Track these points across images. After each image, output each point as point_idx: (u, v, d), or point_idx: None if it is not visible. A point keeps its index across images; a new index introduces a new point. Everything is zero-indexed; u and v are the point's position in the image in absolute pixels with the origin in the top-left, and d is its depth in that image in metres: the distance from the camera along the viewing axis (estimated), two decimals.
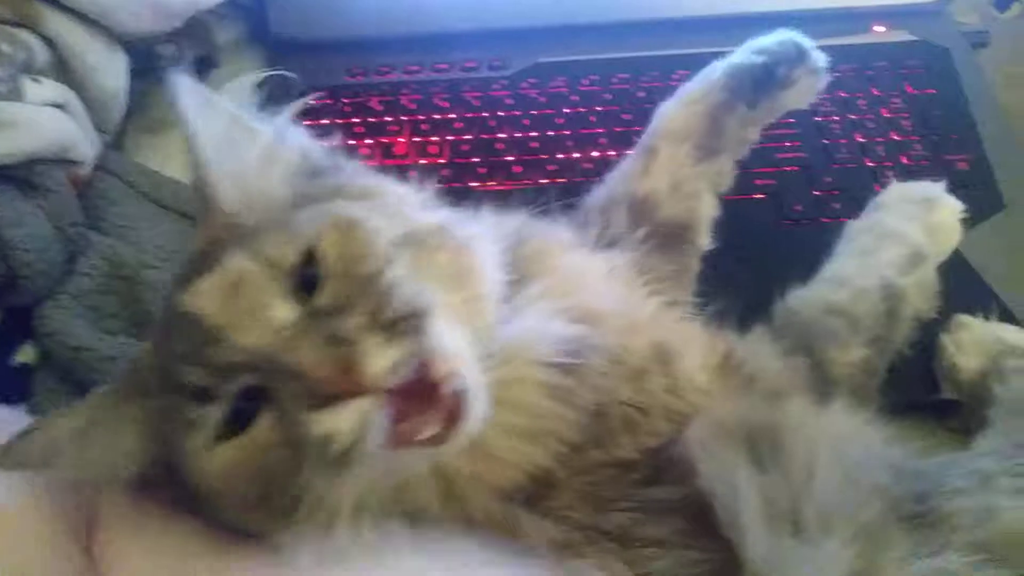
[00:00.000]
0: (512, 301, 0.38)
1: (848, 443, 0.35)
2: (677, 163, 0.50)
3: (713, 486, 0.33)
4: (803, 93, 0.51)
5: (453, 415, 0.30)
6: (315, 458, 0.29)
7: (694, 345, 0.42)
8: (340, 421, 0.28)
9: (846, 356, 0.45)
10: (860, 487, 0.33)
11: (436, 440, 0.30)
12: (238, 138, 0.38)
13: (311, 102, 0.44)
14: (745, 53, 0.52)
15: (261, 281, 0.32)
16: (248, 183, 0.37)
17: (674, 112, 0.51)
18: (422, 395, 0.29)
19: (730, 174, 0.52)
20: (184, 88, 0.36)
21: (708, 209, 0.51)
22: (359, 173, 0.41)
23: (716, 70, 0.52)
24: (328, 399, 0.28)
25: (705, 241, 0.51)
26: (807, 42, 0.51)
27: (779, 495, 0.32)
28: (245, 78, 0.74)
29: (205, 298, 0.32)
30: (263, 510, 0.32)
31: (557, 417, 0.35)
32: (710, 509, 0.33)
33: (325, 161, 0.41)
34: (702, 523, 0.33)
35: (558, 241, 0.44)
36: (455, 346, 0.31)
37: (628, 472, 0.36)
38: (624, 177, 0.51)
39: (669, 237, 0.48)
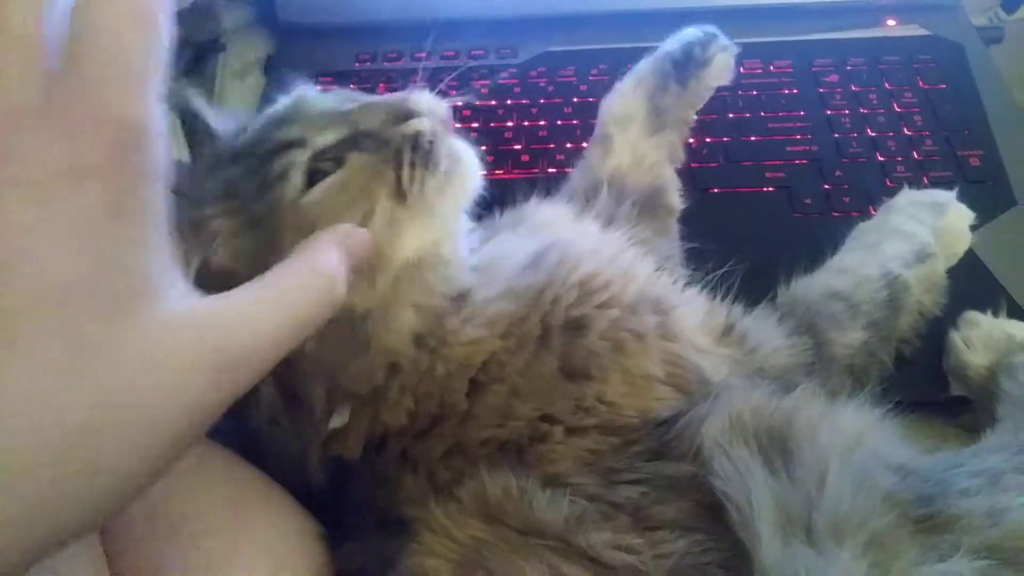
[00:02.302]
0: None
1: (858, 448, 0.35)
2: (631, 141, 0.55)
3: (727, 488, 0.33)
4: (722, 68, 0.58)
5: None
6: (407, 154, 0.37)
7: (692, 306, 0.44)
8: (423, 120, 0.38)
9: (844, 338, 0.46)
10: (870, 494, 0.33)
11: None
12: None
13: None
14: (665, 45, 0.58)
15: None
16: None
17: (615, 101, 0.57)
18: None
19: (681, 149, 0.58)
20: None
21: (671, 175, 0.56)
22: None
23: (643, 63, 0.58)
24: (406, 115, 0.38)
25: (677, 201, 0.55)
26: (712, 27, 0.58)
27: (792, 502, 0.32)
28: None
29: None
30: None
31: (524, 286, 0.39)
32: (722, 506, 0.32)
33: None
34: (714, 509, 0.33)
35: (554, 207, 0.50)
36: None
37: (631, 443, 0.36)
38: (589, 166, 0.56)
39: (645, 205, 0.53)
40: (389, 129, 0.38)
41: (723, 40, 0.57)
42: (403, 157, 0.37)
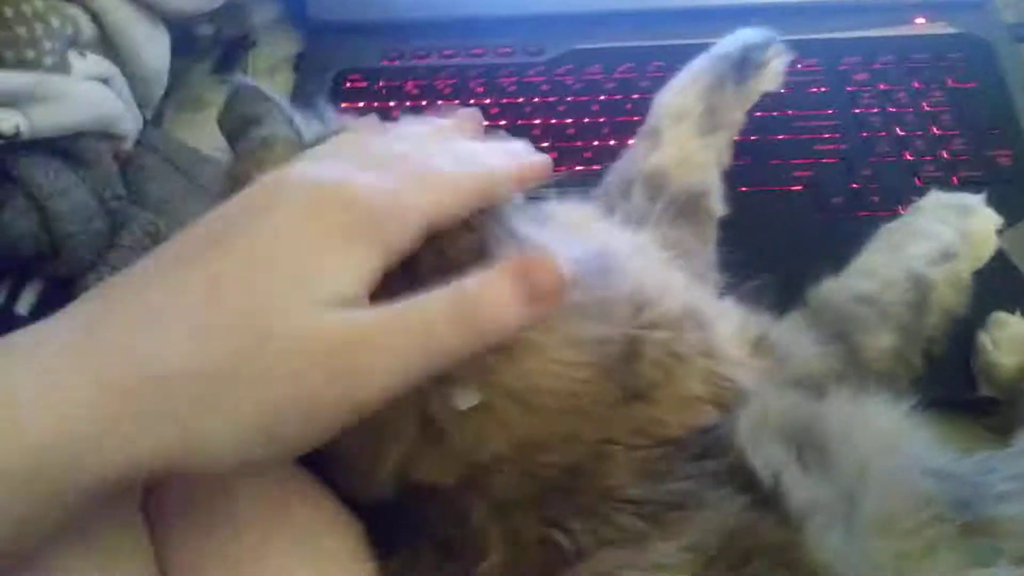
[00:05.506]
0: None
1: (895, 449, 0.36)
2: (680, 139, 0.54)
3: (764, 480, 0.34)
4: (775, 73, 0.58)
5: None
6: None
7: (727, 318, 0.43)
8: None
9: (875, 342, 0.46)
10: (909, 496, 0.33)
11: None
12: None
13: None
14: (721, 44, 0.58)
15: None
16: None
17: (670, 98, 0.56)
18: None
19: (728, 152, 0.57)
20: None
21: (716, 179, 0.55)
22: None
23: (701, 60, 0.58)
24: None
25: (719, 208, 0.54)
26: (770, 31, 0.58)
27: (830, 499, 0.33)
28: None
29: None
30: None
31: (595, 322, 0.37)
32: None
33: None
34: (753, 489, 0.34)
35: (577, 207, 0.48)
36: None
37: (678, 450, 0.36)
38: (633, 159, 0.55)
39: (684, 206, 0.52)
40: None
41: (779, 45, 0.57)
42: None
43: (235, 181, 0.37)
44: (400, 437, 0.35)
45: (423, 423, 0.34)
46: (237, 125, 0.39)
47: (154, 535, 0.34)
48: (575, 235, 0.43)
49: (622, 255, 0.42)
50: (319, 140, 0.38)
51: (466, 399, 0.34)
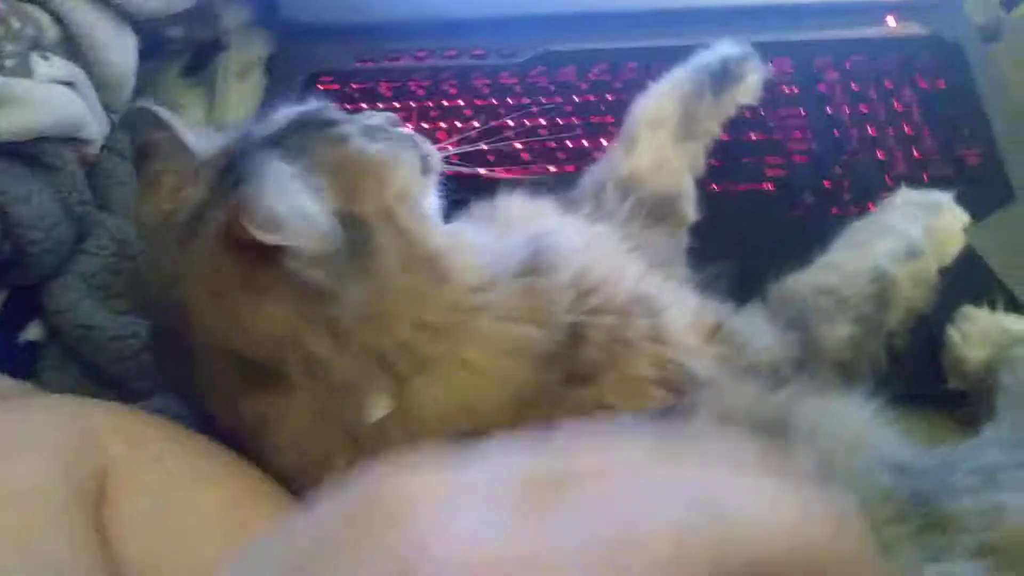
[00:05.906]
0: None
1: (859, 446, 0.36)
2: (657, 144, 0.55)
3: None
4: (752, 86, 0.60)
5: None
6: None
7: (682, 306, 0.44)
8: None
9: (833, 332, 0.46)
10: (870, 493, 0.33)
11: None
12: None
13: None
14: (701, 56, 0.59)
15: None
16: None
17: (649, 104, 0.57)
18: None
19: (703, 161, 0.58)
20: None
21: (690, 185, 0.56)
22: None
23: (680, 70, 0.59)
24: None
25: (692, 213, 0.55)
26: (747, 46, 0.59)
27: None
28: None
29: None
30: None
31: (529, 319, 0.38)
32: None
33: None
34: None
35: (529, 200, 0.49)
36: None
37: None
38: (609, 161, 0.56)
39: (657, 208, 0.52)
40: None
41: (756, 60, 0.59)
42: None
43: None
44: (331, 464, 0.36)
45: (351, 443, 0.35)
46: (135, 154, 0.41)
47: (111, 532, 0.34)
48: (517, 226, 0.44)
49: (567, 241, 0.42)
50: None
51: (377, 409, 0.35)
